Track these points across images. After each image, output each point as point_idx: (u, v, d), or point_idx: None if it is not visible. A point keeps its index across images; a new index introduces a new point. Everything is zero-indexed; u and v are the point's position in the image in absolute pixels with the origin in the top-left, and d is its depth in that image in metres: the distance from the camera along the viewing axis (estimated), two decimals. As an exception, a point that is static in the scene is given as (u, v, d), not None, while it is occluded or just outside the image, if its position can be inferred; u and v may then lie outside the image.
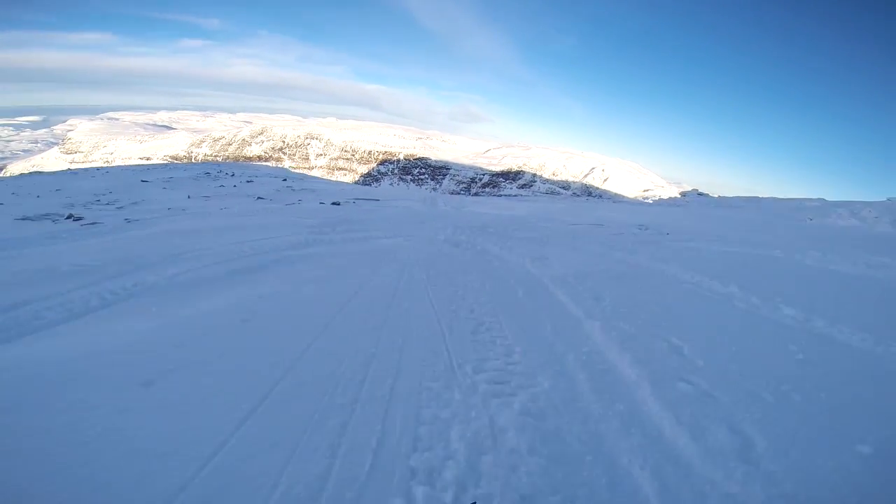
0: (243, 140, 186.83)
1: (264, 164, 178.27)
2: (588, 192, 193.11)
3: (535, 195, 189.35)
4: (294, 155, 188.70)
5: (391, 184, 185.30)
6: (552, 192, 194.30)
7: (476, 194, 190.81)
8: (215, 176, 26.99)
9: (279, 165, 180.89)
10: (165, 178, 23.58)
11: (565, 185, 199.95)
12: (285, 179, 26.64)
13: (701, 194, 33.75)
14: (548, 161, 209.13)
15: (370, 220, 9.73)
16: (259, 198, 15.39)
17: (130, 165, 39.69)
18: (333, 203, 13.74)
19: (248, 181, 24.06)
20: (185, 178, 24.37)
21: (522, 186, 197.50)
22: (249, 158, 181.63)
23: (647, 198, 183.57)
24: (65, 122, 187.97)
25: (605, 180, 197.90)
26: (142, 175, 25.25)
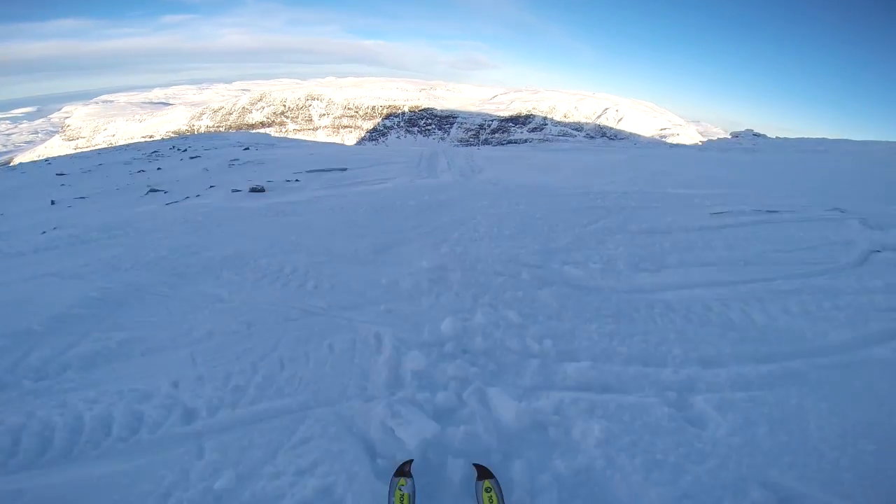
0: (243, 108, 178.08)
1: (262, 131, 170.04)
2: (602, 132, 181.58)
3: (547, 138, 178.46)
4: (297, 118, 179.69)
5: (398, 137, 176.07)
6: (564, 135, 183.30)
7: (486, 141, 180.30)
8: (162, 154, 21.14)
9: (283, 130, 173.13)
10: (88, 169, 17.80)
11: (578, 127, 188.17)
12: (247, 148, 20.54)
13: (757, 135, 26.36)
14: (558, 103, 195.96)
15: (217, 271, 3.79)
16: (152, 190, 9.51)
17: (83, 152, 34.08)
18: (254, 190, 7.80)
19: (192, 157, 18.09)
20: (116, 164, 18.49)
21: (533, 130, 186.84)
22: (252, 126, 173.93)
23: (664, 137, 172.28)
24: (60, 109, 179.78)
25: (620, 120, 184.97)
26: (69, 166, 19.51)
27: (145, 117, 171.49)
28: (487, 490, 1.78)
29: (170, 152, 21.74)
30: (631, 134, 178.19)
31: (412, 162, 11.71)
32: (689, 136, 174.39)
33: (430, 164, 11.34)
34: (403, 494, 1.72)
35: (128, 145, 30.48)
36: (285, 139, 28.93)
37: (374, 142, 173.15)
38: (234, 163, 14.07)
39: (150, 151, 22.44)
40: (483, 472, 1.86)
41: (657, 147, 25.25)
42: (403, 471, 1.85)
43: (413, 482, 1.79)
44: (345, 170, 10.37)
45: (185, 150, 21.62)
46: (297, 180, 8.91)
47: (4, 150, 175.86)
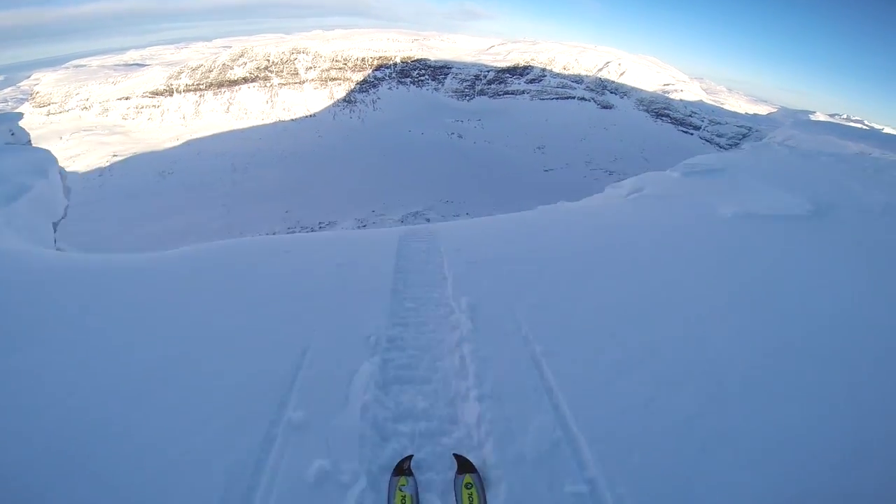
0: (223, 65, 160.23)
1: (245, 86, 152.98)
2: (603, 86, 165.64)
3: (545, 90, 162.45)
4: (282, 72, 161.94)
5: (389, 88, 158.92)
6: (564, 87, 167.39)
7: (482, 92, 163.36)
8: None
9: (267, 85, 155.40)
10: None
11: (578, 80, 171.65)
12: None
13: None
14: (557, 55, 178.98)
15: None
16: None
17: None
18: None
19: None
20: None
21: (531, 82, 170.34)
22: (234, 82, 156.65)
23: (667, 92, 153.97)
24: (29, 76, 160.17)
25: (622, 74, 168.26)
26: None
27: (119, 79, 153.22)
28: (468, 486, 1.67)
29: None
30: (633, 88, 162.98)
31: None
32: (693, 92, 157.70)
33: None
34: (405, 496, 1.58)
35: None
36: None
37: (364, 93, 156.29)
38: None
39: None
40: (463, 466, 1.78)
41: None
42: (403, 468, 1.75)
43: (415, 481, 1.70)
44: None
45: None
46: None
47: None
